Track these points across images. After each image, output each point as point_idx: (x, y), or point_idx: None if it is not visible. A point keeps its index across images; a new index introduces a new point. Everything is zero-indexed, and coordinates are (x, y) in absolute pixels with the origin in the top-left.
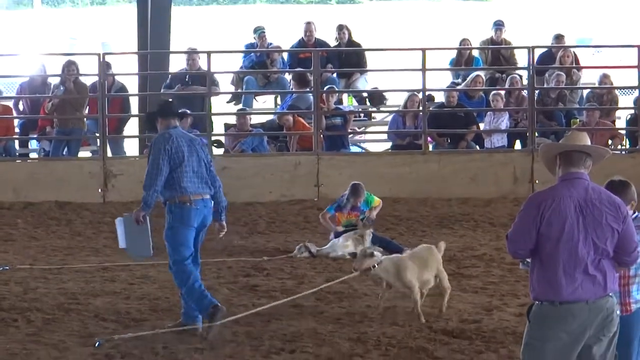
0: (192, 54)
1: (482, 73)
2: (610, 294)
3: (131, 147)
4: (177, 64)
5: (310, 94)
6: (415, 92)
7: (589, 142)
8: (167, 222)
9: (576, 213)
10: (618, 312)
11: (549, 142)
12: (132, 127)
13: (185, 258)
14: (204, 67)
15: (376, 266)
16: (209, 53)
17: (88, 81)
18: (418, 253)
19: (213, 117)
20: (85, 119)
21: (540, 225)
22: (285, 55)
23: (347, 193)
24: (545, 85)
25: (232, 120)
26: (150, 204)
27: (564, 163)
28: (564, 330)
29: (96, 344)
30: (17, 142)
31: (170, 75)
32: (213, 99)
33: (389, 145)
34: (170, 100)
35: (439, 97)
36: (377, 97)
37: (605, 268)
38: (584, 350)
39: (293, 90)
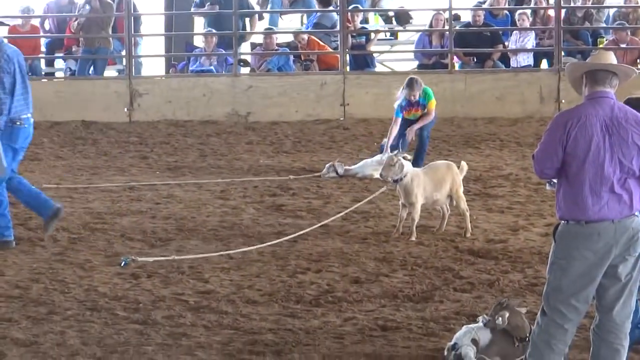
0: None
1: None
2: (636, 214)
3: (156, 66)
4: None
5: (335, 13)
6: (441, 11)
7: (615, 61)
8: None
9: (602, 132)
10: None
11: (575, 61)
12: (151, 46)
13: (2, 180)
14: None
15: (404, 178)
16: None
17: None
18: (435, 169)
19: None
20: (111, 38)
21: (567, 143)
22: None
23: (402, 88)
24: (571, 4)
25: (259, 39)
26: (2, 125)
27: (590, 82)
28: (590, 249)
29: (122, 264)
30: (43, 61)
31: None
32: None
33: (415, 64)
34: None
35: (465, 16)
36: (403, 16)
37: (631, 187)
38: (610, 270)
39: (318, 9)
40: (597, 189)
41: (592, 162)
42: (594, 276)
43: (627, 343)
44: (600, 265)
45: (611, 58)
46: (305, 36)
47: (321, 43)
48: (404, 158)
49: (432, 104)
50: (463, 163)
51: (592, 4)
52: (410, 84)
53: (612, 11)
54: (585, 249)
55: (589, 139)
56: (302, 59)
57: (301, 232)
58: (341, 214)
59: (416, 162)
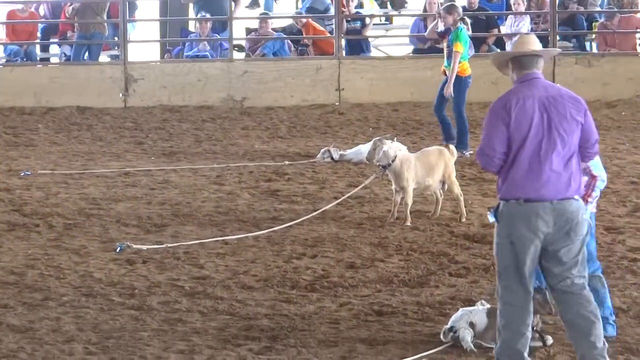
0: None
1: None
2: (576, 197)
3: (151, 52)
4: None
5: None
6: None
7: (538, 45)
8: None
9: (540, 111)
10: (586, 216)
11: (499, 51)
12: (145, 31)
13: None
14: None
15: (392, 164)
16: None
17: None
18: (427, 155)
19: (234, 21)
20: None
21: (509, 123)
22: None
23: None
24: None
25: (254, 24)
26: None
27: (517, 67)
28: (528, 228)
29: (117, 249)
30: (38, 46)
31: None
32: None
33: (410, 49)
34: None
35: (460, 1)
36: (398, 1)
37: (572, 168)
38: (552, 254)
39: None
40: (536, 167)
41: (532, 140)
42: (533, 252)
43: (599, 313)
44: (537, 242)
45: (533, 41)
46: (304, 19)
47: (319, 28)
48: (388, 139)
49: (459, 46)
50: (452, 146)
51: None
52: (445, 6)
53: None
54: (524, 229)
55: (530, 118)
56: (302, 42)
57: (299, 220)
58: (337, 201)
59: (460, 143)
